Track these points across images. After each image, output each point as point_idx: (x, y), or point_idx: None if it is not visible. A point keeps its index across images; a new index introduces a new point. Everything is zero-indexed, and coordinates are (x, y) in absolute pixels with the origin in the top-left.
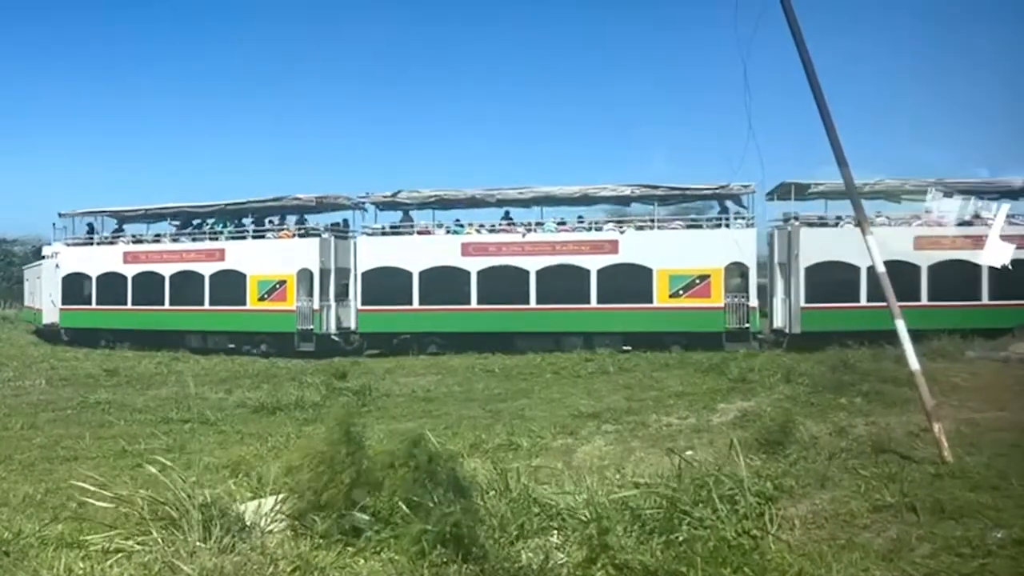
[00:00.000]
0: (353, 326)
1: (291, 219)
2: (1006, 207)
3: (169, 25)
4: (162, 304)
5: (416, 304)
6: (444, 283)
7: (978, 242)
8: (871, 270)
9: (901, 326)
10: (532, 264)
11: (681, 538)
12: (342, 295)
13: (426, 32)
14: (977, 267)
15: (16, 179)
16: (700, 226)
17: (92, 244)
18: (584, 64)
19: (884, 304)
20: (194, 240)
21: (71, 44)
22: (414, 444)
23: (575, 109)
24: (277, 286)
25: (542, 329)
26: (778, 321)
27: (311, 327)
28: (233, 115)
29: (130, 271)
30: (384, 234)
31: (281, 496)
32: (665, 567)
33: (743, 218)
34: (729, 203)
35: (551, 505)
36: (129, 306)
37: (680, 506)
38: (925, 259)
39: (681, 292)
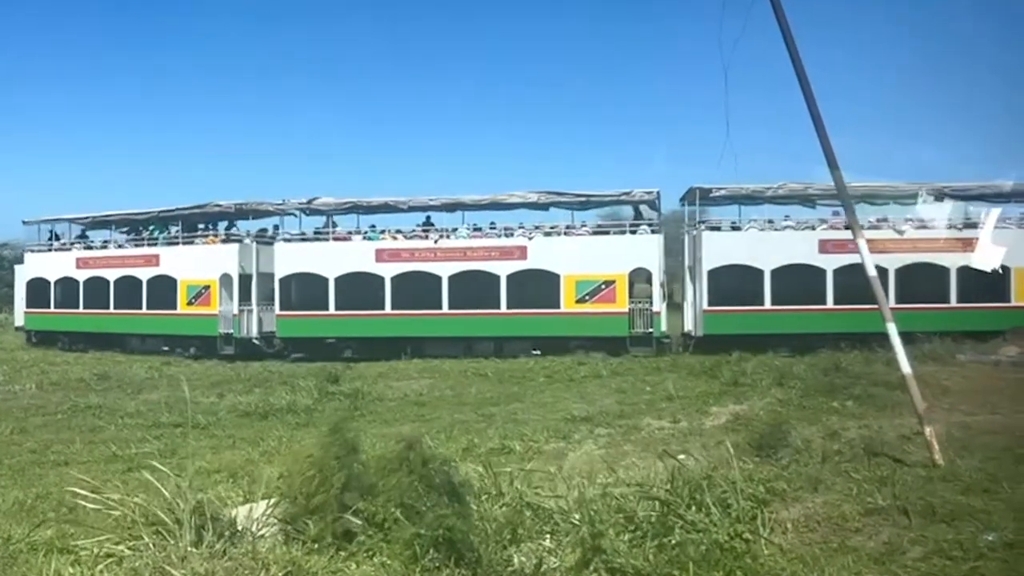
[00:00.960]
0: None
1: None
2: (996, 211)
3: (166, 24)
4: (108, 308)
5: (332, 309)
6: (359, 289)
7: (883, 245)
8: (775, 273)
9: (892, 329)
10: (444, 270)
11: (674, 541)
12: (270, 300)
13: (411, 30)
14: (884, 271)
15: (7, 183)
16: (607, 232)
17: (51, 251)
18: (583, 64)
19: (788, 308)
20: (136, 246)
21: (62, 47)
22: (407, 448)
23: (573, 110)
24: (203, 291)
25: (454, 334)
26: (688, 324)
27: (231, 331)
28: (227, 115)
29: (82, 276)
30: (304, 240)
31: (273, 500)
32: (658, 570)
33: (650, 224)
34: (645, 208)
35: (544, 509)
36: (81, 310)
37: (673, 509)
38: (830, 263)
39: (587, 297)
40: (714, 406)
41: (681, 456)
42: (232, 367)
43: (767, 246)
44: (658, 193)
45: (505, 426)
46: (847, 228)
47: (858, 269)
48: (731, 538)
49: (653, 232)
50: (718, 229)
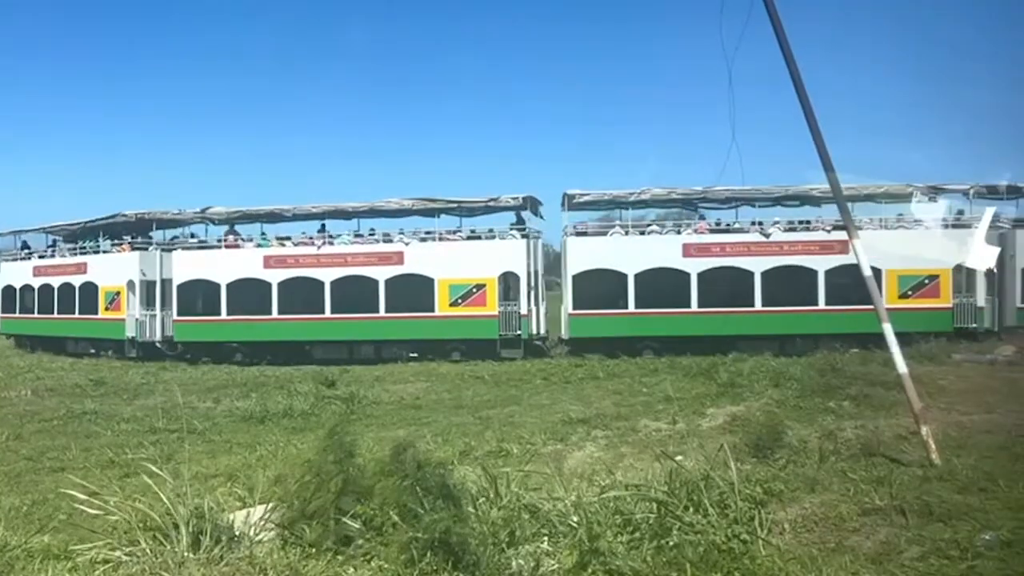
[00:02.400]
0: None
1: (191, 233)
2: (991, 210)
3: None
4: (53, 312)
5: (224, 314)
6: (249, 294)
7: (750, 248)
8: (639, 277)
9: (888, 329)
10: (327, 275)
11: (672, 543)
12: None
13: (397, 32)
14: (750, 273)
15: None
16: (479, 237)
17: (16, 260)
18: (580, 65)
19: (653, 311)
20: (73, 255)
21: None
22: (401, 451)
23: (569, 110)
24: (115, 296)
25: (337, 338)
26: (561, 327)
27: (134, 335)
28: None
29: (36, 283)
30: (201, 248)
31: (270, 505)
32: (656, 572)
33: (519, 229)
34: (527, 213)
35: (542, 511)
36: (36, 314)
37: (671, 511)
38: (694, 266)
39: (459, 301)
40: (711, 407)
41: (679, 457)
42: (228, 371)
43: (631, 250)
44: (529, 198)
45: (502, 429)
46: (714, 232)
47: (721, 272)
48: (729, 539)
49: (524, 237)
50: (586, 234)
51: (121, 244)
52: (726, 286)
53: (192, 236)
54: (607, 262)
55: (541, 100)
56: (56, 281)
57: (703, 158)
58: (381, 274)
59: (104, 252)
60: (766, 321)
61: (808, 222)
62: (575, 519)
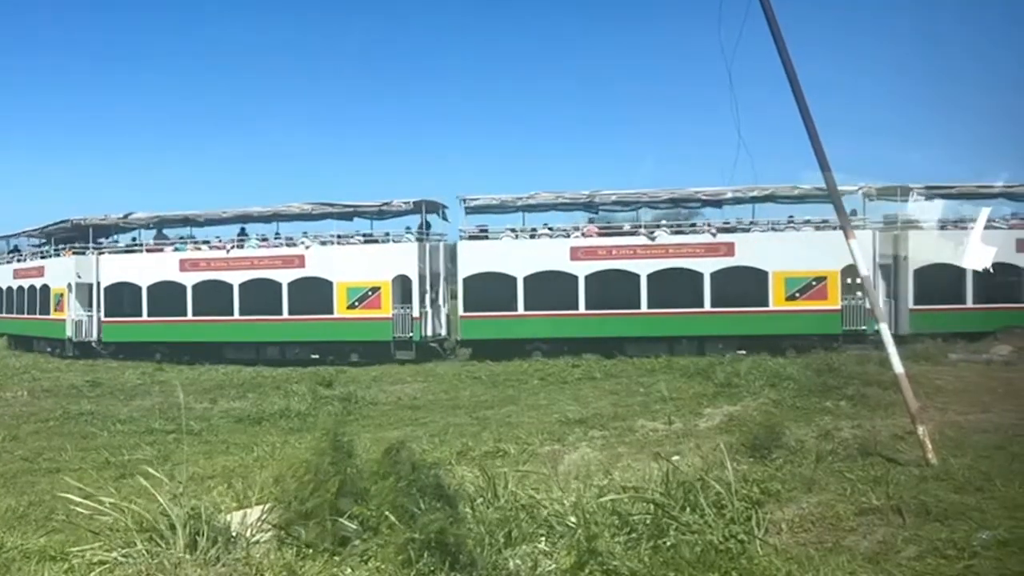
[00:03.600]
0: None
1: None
2: (986, 210)
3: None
4: (23, 312)
5: (145, 316)
6: (166, 297)
7: (636, 251)
8: (527, 280)
9: (885, 329)
10: (236, 278)
11: (669, 543)
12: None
13: (395, 33)
14: (636, 276)
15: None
16: (376, 241)
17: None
18: (577, 66)
19: (541, 313)
20: (35, 259)
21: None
22: (397, 451)
23: (567, 111)
24: (60, 298)
25: (245, 339)
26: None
27: (71, 335)
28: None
29: (15, 285)
30: (127, 252)
31: (267, 506)
32: (653, 572)
33: (412, 233)
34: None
35: (539, 511)
36: (15, 314)
37: (668, 511)
38: (581, 269)
39: (356, 303)
40: (708, 407)
41: (675, 458)
42: (225, 372)
43: (521, 254)
44: (424, 202)
45: (499, 429)
46: (601, 235)
47: (608, 275)
48: (726, 539)
49: (418, 240)
50: (477, 237)
51: (68, 249)
52: (613, 288)
53: (131, 240)
54: (498, 265)
55: (540, 100)
56: (26, 283)
57: (700, 158)
58: (285, 277)
59: (56, 256)
60: (652, 323)
61: (695, 224)
62: (572, 519)
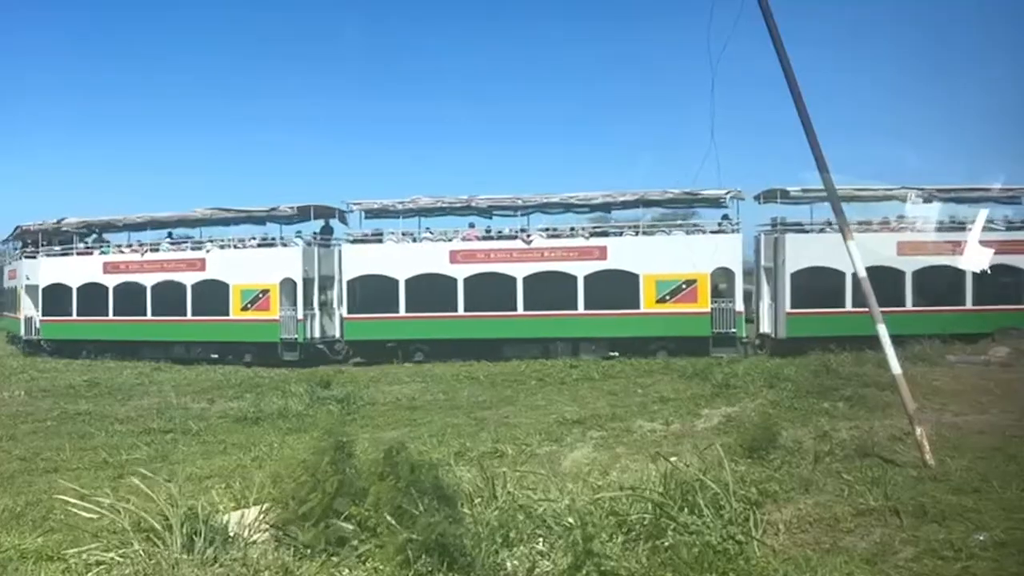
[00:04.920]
0: None
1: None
2: (984, 212)
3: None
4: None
5: (75, 316)
6: (92, 297)
7: (512, 255)
8: (409, 283)
9: (883, 331)
10: (149, 280)
11: (666, 544)
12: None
13: (396, 35)
14: (513, 279)
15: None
16: (273, 244)
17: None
18: (573, 67)
19: (422, 315)
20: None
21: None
22: (396, 452)
23: (564, 111)
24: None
25: (157, 338)
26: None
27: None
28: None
29: (7, 286)
30: (63, 255)
31: (265, 506)
32: (651, 573)
33: (300, 237)
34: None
35: (537, 512)
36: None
37: (665, 512)
38: (460, 272)
39: (249, 305)
40: (705, 408)
41: (673, 458)
42: (223, 372)
43: (402, 257)
44: (307, 207)
45: (497, 430)
46: (483, 239)
47: (486, 278)
48: (724, 540)
49: (307, 244)
50: (361, 241)
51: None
52: (491, 291)
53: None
54: (380, 268)
55: (539, 101)
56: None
57: (699, 158)
58: (189, 279)
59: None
60: (528, 325)
61: (574, 228)
62: (570, 520)
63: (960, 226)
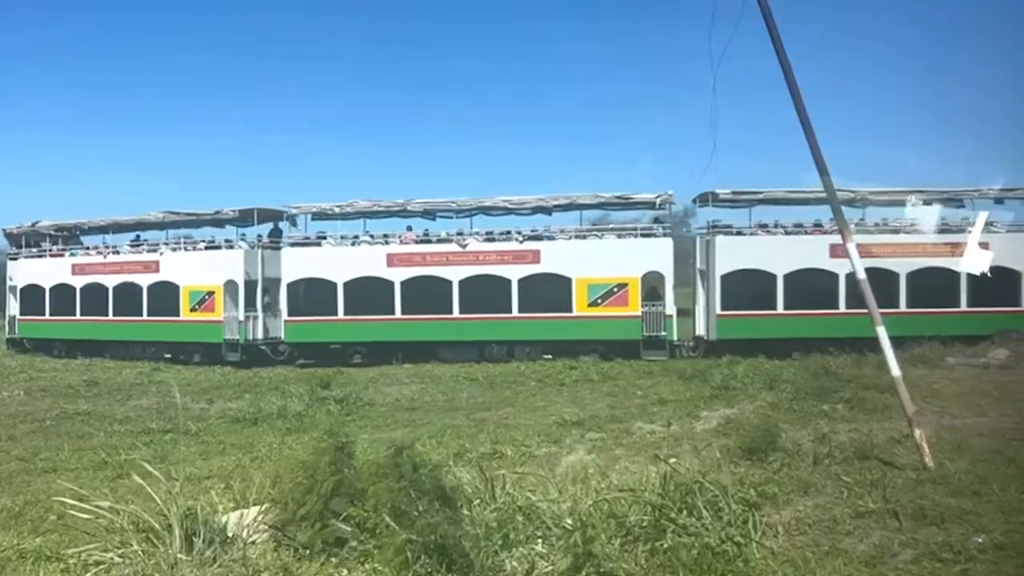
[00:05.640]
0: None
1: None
2: (984, 215)
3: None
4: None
5: (47, 315)
6: (63, 297)
7: (448, 258)
8: (347, 285)
9: (882, 333)
10: (110, 281)
11: (665, 545)
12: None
13: (396, 32)
14: (449, 282)
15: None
16: (219, 247)
17: None
18: (571, 68)
19: (362, 317)
20: None
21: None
22: (398, 453)
23: (561, 112)
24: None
25: (118, 338)
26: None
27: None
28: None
29: None
30: (38, 256)
31: (264, 507)
32: (649, 575)
33: (244, 240)
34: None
35: (536, 513)
36: None
37: (664, 513)
38: (398, 275)
39: (197, 307)
40: (705, 410)
41: (672, 460)
42: (223, 373)
43: (340, 260)
44: (250, 211)
45: (496, 431)
46: (420, 242)
47: (422, 281)
48: (722, 542)
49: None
50: (316, 244)
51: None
52: (427, 294)
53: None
54: (319, 271)
55: (539, 101)
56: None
57: (698, 160)
58: (145, 281)
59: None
60: (464, 328)
61: (509, 232)
62: (569, 521)
63: (894, 229)
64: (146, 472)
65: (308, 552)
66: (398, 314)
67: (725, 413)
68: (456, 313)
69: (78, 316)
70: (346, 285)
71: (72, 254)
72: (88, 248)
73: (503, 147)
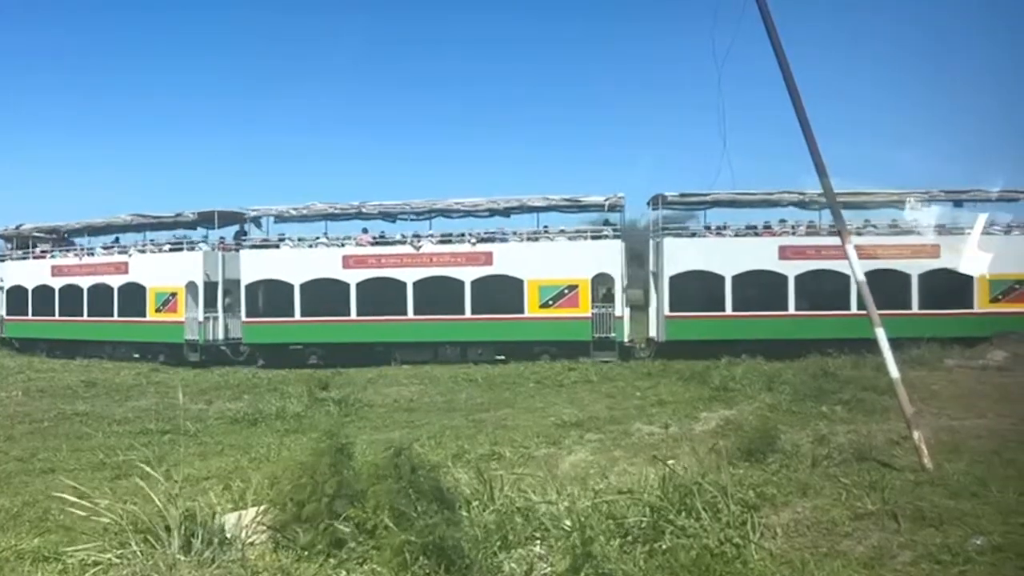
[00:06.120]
0: None
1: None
2: (984, 216)
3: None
4: None
5: (30, 315)
6: (44, 298)
7: (403, 260)
8: (304, 287)
9: (881, 334)
10: (85, 282)
11: (664, 547)
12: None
13: (395, 31)
14: (403, 284)
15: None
16: (181, 249)
17: None
18: (571, 69)
19: (317, 319)
20: None
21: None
22: (397, 454)
23: (559, 113)
24: None
25: (90, 338)
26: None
27: None
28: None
29: None
30: (23, 258)
31: (262, 508)
32: None
33: (206, 242)
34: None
35: (535, 515)
36: None
37: (663, 515)
38: (353, 277)
39: (162, 307)
40: (704, 411)
41: (671, 461)
42: (221, 374)
43: (297, 263)
44: (209, 213)
45: (495, 432)
46: (376, 244)
47: (378, 283)
48: (721, 543)
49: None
50: (274, 247)
51: None
52: (382, 296)
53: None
54: (276, 273)
55: (539, 102)
56: None
57: (699, 161)
58: (116, 282)
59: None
60: (418, 329)
61: (463, 234)
62: (568, 523)
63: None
64: (145, 473)
65: (307, 553)
66: (353, 316)
67: (724, 414)
68: (410, 315)
69: (57, 316)
70: (303, 287)
71: (52, 256)
72: (67, 250)
73: (504, 147)
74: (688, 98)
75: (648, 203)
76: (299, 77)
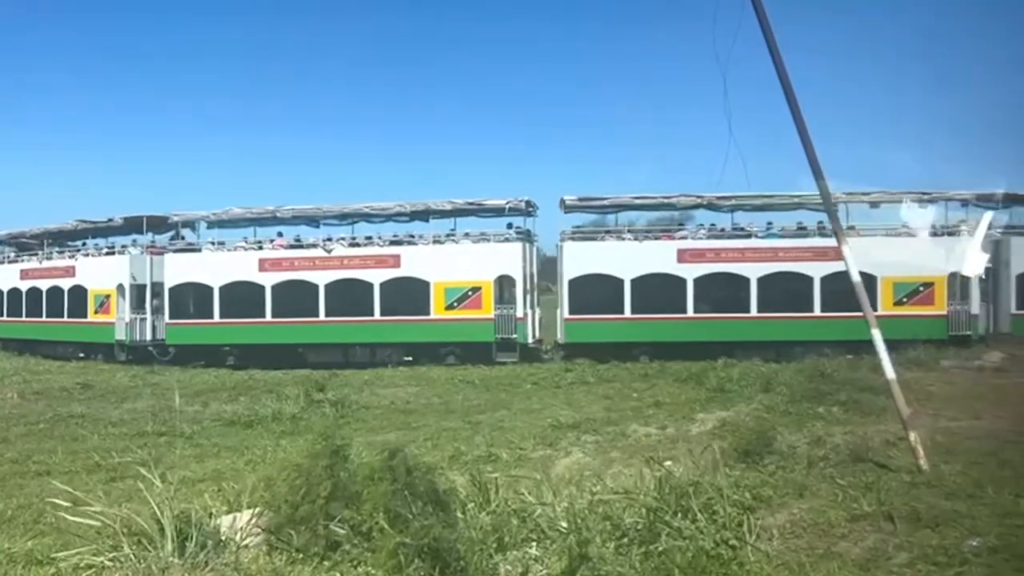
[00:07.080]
0: None
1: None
2: (988, 215)
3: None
4: None
5: (5, 316)
6: (12, 300)
7: (315, 263)
8: (222, 289)
9: (877, 335)
10: (44, 285)
11: (660, 548)
12: None
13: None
14: (315, 286)
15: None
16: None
17: None
18: (571, 70)
19: (234, 321)
20: None
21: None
22: (392, 456)
23: (559, 114)
24: None
25: (47, 338)
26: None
27: None
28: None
29: None
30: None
31: (257, 510)
32: None
33: (136, 245)
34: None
35: (531, 516)
36: None
37: (659, 516)
38: (268, 279)
39: (99, 309)
40: (700, 412)
41: (668, 463)
42: (217, 375)
43: (216, 266)
44: (136, 219)
45: (492, 433)
46: (291, 248)
47: (291, 285)
48: (717, 545)
49: (142, 253)
50: (195, 250)
51: None
52: (295, 298)
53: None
54: (197, 276)
55: (540, 102)
56: None
57: (699, 162)
58: (65, 285)
59: None
60: (329, 331)
61: (370, 237)
62: (564, 525)
63: (747, 234)
64: (140, 475)
65: (302, 556)
66: (268, 317)
67: (720, 415)
68: (322, 316)
69: (24, 317)
70: (221, 289)
71: (21, 260)
72: (33, 255)
73: (504, 147)
74: (688, 98)
75: (559, 206)
76: (278, 78)
